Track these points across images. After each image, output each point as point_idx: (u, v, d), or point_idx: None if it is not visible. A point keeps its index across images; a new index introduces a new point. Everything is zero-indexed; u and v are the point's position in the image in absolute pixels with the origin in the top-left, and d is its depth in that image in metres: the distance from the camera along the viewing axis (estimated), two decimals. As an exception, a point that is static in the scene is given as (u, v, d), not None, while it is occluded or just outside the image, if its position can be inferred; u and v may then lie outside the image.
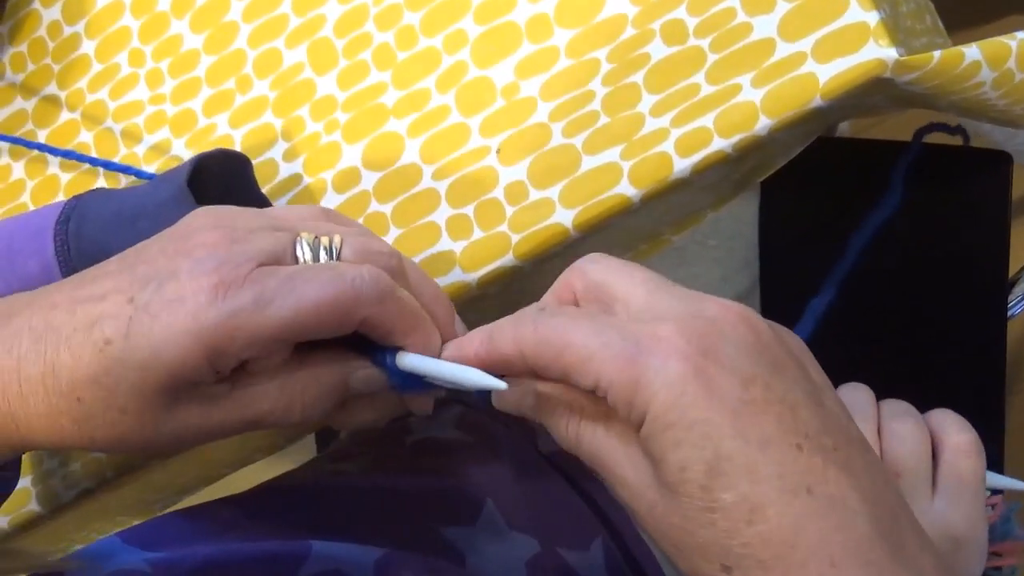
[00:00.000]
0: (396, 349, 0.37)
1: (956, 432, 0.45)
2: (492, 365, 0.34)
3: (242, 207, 0.39)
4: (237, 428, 0.36)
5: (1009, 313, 0.74)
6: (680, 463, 0.30)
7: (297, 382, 0.36)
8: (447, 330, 0.39)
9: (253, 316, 0.33)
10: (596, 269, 0.35)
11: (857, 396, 0.47)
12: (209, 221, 0.37)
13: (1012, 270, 0.64)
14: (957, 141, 0.61)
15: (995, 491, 0.48)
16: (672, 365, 0.30)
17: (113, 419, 0.34)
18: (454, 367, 0.36)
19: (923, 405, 0.48)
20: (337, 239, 0.37)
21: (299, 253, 0.36)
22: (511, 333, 0.34)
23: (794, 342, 0.34)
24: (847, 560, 0.29)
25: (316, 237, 0.37)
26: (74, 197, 0.47)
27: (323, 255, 0.37)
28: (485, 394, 0.36)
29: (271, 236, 0.36)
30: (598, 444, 0.33)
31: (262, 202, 0.51)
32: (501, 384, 0.34)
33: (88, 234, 0.46)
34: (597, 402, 0.33)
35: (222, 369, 0.34)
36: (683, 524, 0.30)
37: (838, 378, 0.36)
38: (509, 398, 0.36)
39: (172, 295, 0.33)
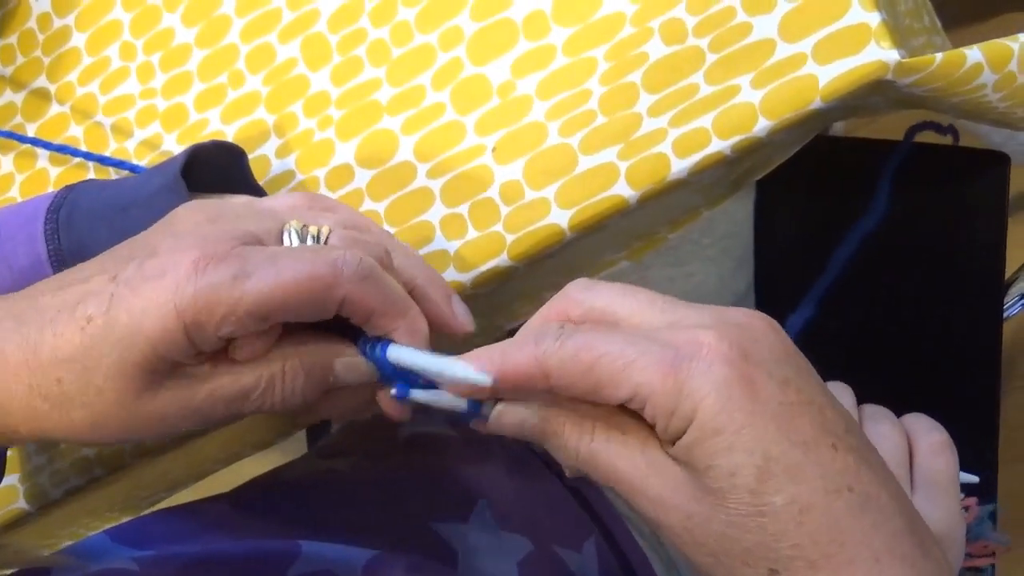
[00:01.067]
0: (387, 342, 0.36)
1: (927, 433, 0.45)
2: (503, 380, 0.33)
3: (231, 197, 0.39)
4: (217, 411, 0.35)
5: (1005, 314, 0.74)
6: (731, 468, 0.30)
7: (279, 361, 0.35)
8: (443, 310, 0.39)
9: (232, 290, 0.33)
10: (593, 296, 0.35)
11: (840, 394, 0.47)
12: (194, 207, 0.37)
13: (1008, 271, 0.64)
14: (948, 141, 0.61)
15: (969, 493, 0.49)
16: (717, 369, 0.30)
17: (90, 399, 0.34)
18: (441, 360, 0.35)
19: (919, 405, 0.48)
20: (325, 229, 0.37)
21: (286, 240, 0.37)
22: (531, 349, 0.32)
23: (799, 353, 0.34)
24: (887, 555, 0.29)
25: (304, 225, 0.37)
26: (67, 187, 0.47)
27: (310, 242, 0.36)
28: (476, 415, 0.35)
29: (257, 221, 0.36)
30: (617, 459, 0.33)
31: (258, 194, 0.50)
32: (486, 379, 0.33)
33: (79, 222, 0.45)
34: (611, 415, 0.32)
35: (202, 345, 0.34)
36: (726, 531, 0.30)
37: (836, 378, 0.36)
38: (508, 418, 0.35)
39: (153, 271, 0.33)
